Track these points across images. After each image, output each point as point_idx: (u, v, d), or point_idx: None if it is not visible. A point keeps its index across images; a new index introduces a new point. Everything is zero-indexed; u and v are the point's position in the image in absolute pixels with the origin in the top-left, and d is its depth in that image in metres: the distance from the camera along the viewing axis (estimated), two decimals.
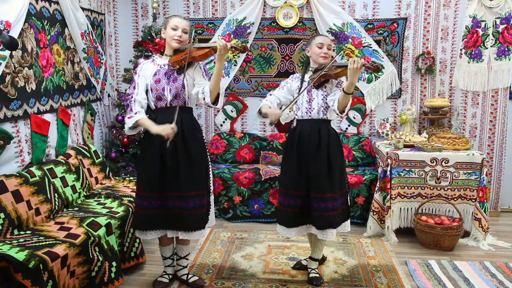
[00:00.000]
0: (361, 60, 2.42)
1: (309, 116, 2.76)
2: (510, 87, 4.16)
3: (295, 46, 4.46)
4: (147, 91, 2.65)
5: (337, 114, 2.65)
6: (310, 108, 2.75)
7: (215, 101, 2.59)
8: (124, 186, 3.63)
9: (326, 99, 2.71)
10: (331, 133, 2.76)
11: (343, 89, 2.54)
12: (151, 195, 2.59)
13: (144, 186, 2.63)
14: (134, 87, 2.63)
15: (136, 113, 2.57)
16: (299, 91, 2.76)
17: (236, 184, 4.04)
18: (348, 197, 2.89)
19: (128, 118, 2.59)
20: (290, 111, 4.44)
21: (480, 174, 3.54)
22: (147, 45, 4.14)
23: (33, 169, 2.88)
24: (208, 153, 2.76)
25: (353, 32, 4.33)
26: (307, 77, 2.79)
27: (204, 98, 2.56)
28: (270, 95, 2.86)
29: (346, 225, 2.86)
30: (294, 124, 2.87)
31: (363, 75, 4.42)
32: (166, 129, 2.45)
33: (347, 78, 2.51)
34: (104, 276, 2.56)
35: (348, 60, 2.53)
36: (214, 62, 4.49)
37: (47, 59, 3.27)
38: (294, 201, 2.76)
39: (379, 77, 4.41)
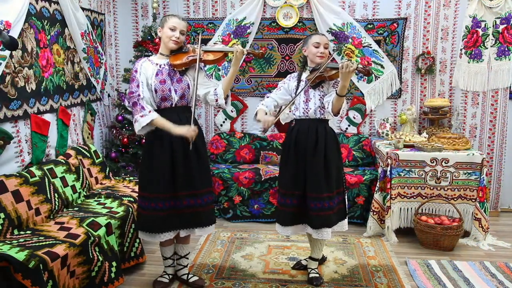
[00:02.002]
0: (352, 65, 2.42)
1: (306, 116, 2.76)
2: (510, 87, 4.16)
3: (295, 46, 4.46)
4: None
5: (332, 116, 2.66)
6: (307, 108, 2.75)
7: (225, 102, 2.67)
8: (124, 186, 3.63)
9: (323, 99, 2.72)
10: (328, 133, 2.76)
11: (336, 91, 2.55)
12: (162, 196, 2.56)
13: (153, 188, 2.58)
14: (138, 86, 2.56)
15: (150, 112, 2.52)
16: (296, 91, 2.77)
17: (236, 184, 4.04)
18: (346, 196, 2.89)
19: (141, 116, 2.52)
20: (289, 111, 4.45)
21: (480, 174, 3.54)
22: (147, 45, 4.15)
23: (33, 169, 2.88)
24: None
25: (353, 32, 4.33)
26: (304, 76, 2.80)
27: (217, 100, 2.62)
28: (268, 97, 2.87)
29: (344, 224, 2.86)
30: (293, 124, 2.88)
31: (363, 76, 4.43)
32: (189, 132, 2.48)
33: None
34: (104, 276, 2.56)
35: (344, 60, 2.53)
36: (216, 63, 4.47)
37: (47, 59, 3.27)
38: (290, 200, 2.77)
39: (379, 77, 4.41)
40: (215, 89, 2.62)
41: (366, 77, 4.41)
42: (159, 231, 2.62)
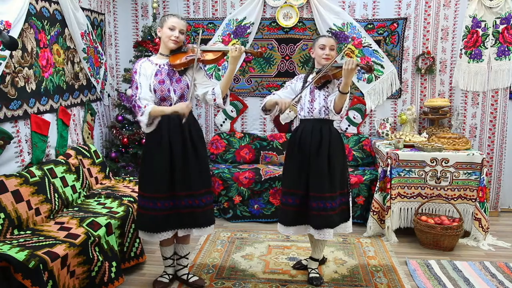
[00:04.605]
0: (355, 61, 2.45)
1: (311, 116, 2.77)
2: (510, 87, 4.16)
3: (295, 46, 4.46)
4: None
5: (334, 114, 2.68)
6: (312, 108, 2.76)
7: (223, 102, 2.66)
8: (124, 186, 3.63)
9: (327, 99, 2.72)
10: (333, 133, 2.77)
11: (338, 88, 2.56)
12: (162, 196, 2.57)
13: (153, 188, 2.59)
14: (137, 87, 2.59)
15: (145, 107, 2.55)
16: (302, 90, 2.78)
17: (236, 184, 4.04)
18: (350, 199, 2.89)
19: (140, 115, 2.55)
20: (290, 111, 4.45)
21: (480, 174, 3.54)
22: (147, 45, 4.15)
23: (33, 169, 2.88)
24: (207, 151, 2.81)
25: (353, 32, 4.32)
26: (311, 77, 2.81)
27: (215, 99, 2.62)
28: (274, 94, 2.88)
29: (347, 226, 2.86)
30: (295, 124, 2.88)
31: (363, 75, 4.43)
32: (181, 106, 2.52)
33: None
34: (104, 276, 2.56)
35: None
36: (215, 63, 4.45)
37: (47, 59, 3.27)
38: (292, 199, 2.78)
39: (379, 77, 4.41)
40: (213, 89, 2.63)
41: (366, 77, 4.41)
42: (158, 231, 2.62)
